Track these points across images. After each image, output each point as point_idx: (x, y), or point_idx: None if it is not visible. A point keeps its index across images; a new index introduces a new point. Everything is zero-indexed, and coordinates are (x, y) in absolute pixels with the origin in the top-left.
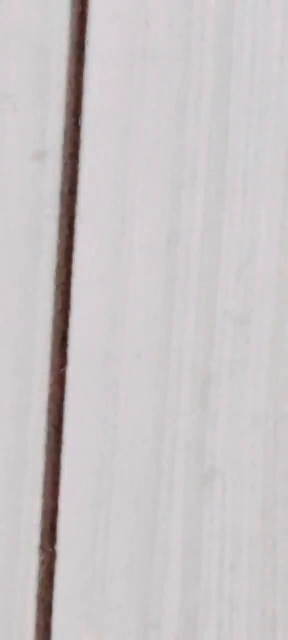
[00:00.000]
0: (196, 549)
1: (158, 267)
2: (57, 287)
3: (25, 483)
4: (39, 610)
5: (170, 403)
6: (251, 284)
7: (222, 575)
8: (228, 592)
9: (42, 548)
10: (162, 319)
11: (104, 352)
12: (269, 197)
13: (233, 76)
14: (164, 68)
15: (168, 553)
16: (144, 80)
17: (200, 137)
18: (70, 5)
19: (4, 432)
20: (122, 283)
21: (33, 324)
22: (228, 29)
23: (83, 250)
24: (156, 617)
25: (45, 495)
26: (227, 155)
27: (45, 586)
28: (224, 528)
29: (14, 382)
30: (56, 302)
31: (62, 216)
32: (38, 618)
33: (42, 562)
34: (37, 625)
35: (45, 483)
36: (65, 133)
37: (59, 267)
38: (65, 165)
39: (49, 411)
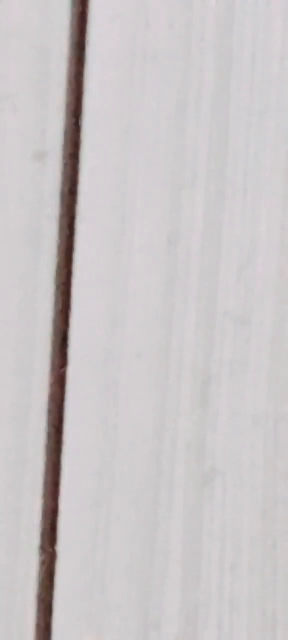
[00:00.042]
0: (196, 549)
1: (158, 267)
2: (57, 287)
3: (25, 483)
4: (39, 610)
5: (170, 403)
6: (251, 284)
7: (222, 575)
8: (228, 592)
9: (42, 548)
10: (162, 319)
11: (104, 352)
12: (269, 197)
13: (233, 76)
14: (164, 68)
15: (168, 553)
16: (144, 80)
17: (200, 137)
18: (70, 5)
19: (4, 432)
20: (122, 283)
21: (33, 324)
22: (228, 29)
23: (83, 250)
24: (156, 617)
25: (45, 495)
26: (227, 155)
27: (45, 586)
28: (224, 528)
29: (14, 382)
30: (56, 302)
31: (62, 216)
32: (38, 618)
33: (42, 562)
34: (37, 625)
35: (45, 483)
36: (65, 133)
37: (59, 267)
38: (65, 165)
39: (49, 411)
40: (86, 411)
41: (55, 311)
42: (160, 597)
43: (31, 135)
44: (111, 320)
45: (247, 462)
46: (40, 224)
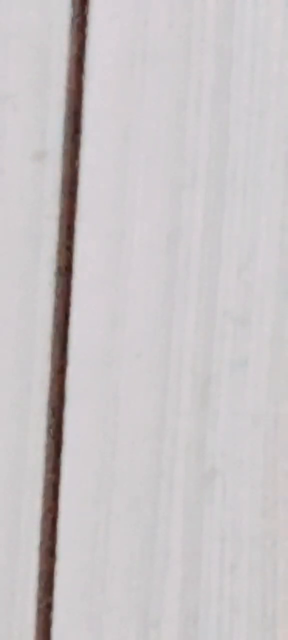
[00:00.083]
0: (196, 549)
1: (158, 267)
2: (57, 287)
3: (25, 483)
4: (39, 610)
5: (170, 403)
6: (251, 284)
7: (222, 575)
8: (228, 592)
9: (42, 548)
10: (162, 319)
11: (104, 352)
12: (269, 197)
13: (233, 76)
14: (164, 68)
15: (168, 553)
16: (144, 80)
17: (200, 137)
18: (70, 5)
19: (4, 432)
20: (122, 283)
21: (33, 324)
22: (228, 29)
23: (83, 250)
24: (156, 617)
25: (45, 495)
26: (227, 155)
27: (45, 586)
28: (224, 528)
29: (14, 382)
30: (56, 302)
31: (62, 216)
32: (38, 618)
33: (42, 562)
34: (37, 626)
35: (45, 483)
36: (65, 133)
37: (59, 267)
38: (65, 165)
39: (49, 411)
40: (86, 411)
41: (55, 311)
42: (160, 597)
43: (31, 135)
44: (111, 320)
45: (247, 462)
46: (40, 224)
